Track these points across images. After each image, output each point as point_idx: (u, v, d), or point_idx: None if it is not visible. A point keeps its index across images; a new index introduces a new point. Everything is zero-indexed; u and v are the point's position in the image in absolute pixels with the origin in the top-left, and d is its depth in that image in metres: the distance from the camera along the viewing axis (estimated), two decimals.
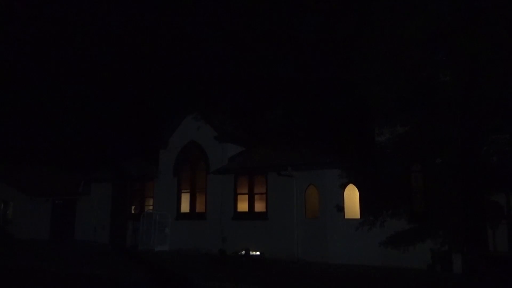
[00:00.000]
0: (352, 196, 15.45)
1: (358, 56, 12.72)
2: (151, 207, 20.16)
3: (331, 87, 21.88)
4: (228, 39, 17.51)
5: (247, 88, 21.61)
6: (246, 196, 17.67)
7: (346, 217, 15.27)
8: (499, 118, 11.84)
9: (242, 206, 17.68)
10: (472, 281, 11.58)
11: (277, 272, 13.19)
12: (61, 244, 21.13)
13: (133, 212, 20.97)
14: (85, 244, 20.57)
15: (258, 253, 16.11)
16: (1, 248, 19.08)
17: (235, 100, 22.37)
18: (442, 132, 12.27)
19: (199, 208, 18.89)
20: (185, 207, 19.27)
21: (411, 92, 12.47)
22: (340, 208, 15.37)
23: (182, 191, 19.47)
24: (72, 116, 25.84)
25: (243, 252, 15.89)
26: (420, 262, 13.29)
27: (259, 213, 17.15)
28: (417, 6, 11.37)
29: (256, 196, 17.50)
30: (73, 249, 19.21)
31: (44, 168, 29.24)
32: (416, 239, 13.60)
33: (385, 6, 11.68)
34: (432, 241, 13.32)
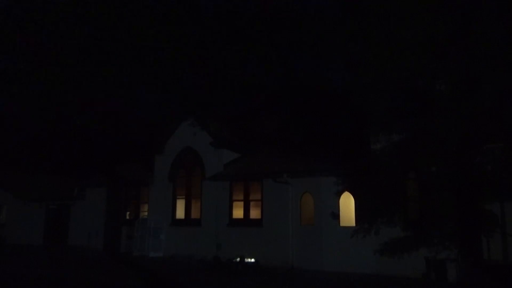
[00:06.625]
0: (347, 203, 15.41)
1: (354, 62, 12.77)
2: (146, 213, 20.03)
3: (328, 94, 21.99)
4: (226, 43, 17.60)
5: (244, 94, 21.64)
6: (242, 203, 17.59)
7: (341, 224, 15.22)
8: (494, 127, 11.88)
9: (237, 212, 17.60)
10: None
11: (272, 279, 13.11)
12: (54, 249, 20.94)
13: (127, 217, 20.82)
14: (79, 250, 20.40)
15: (253, 260, 16.03)
16: None
17: (231, 106, 22.37)
18: (437, 140, 12.29)
19: (194, 214, 18.78)
20: (180, 213, 19.17)
21: (407, 100, 12.50)
22: (336, 215, 15.33)
23: (178, 197, 19.36)
24: (68, 120, 25.74)
25: (238, 259, 15.83)
26: (414, 271, 13.24)
27: (255, 220, 17.08)
28: (413, 13, 11.43)
29: (252, 203, 17.42)
30: (66, 254, 19.04)
31: (38, 172, 29.03)
32: (410, 247, 13.55)
33: (382, 13, 11.74)
34: (427, 250, 13.27)
